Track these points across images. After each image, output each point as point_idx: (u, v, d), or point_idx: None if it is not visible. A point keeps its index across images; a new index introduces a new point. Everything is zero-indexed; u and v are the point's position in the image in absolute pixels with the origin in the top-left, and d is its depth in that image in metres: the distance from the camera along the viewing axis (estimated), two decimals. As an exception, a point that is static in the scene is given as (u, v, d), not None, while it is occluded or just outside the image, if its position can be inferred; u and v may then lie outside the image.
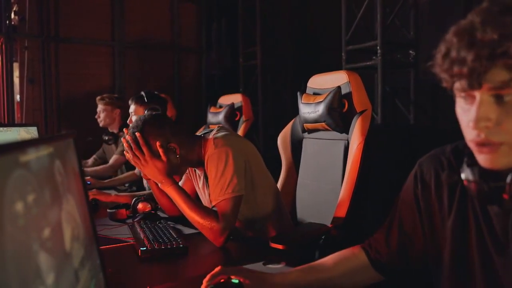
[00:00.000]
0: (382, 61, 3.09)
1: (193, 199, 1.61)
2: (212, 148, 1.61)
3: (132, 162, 1.64)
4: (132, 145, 1.60)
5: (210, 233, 1.52)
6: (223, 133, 1.68)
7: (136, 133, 1.59)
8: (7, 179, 0.48)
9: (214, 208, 1.59)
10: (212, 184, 1.58)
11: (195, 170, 1.84)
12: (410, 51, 3.31)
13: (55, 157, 0.68)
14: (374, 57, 3.27)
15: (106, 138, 3.49)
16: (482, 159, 0.75)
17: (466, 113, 0.75)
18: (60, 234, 0.64)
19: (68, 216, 0.69)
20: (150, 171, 1.61)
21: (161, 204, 1.89)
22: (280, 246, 1.56)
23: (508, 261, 0.80)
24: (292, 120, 2.21)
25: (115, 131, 3.49)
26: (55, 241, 0.61)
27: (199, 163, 1.71)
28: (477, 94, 0.72)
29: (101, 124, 3.48)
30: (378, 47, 3.11)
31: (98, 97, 3.48)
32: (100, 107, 3.46)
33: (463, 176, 0.81)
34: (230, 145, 1.61)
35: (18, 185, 0.50)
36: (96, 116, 3.46)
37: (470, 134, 0.75)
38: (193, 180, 1.88)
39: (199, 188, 1.85)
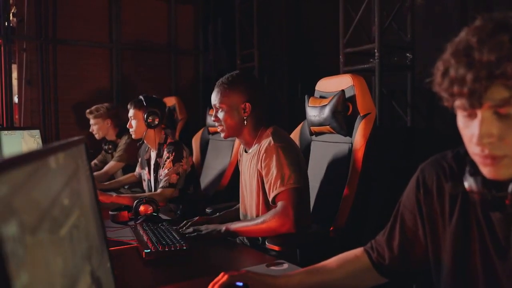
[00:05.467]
0: (379, 64, 3.11)
1: (249, 220, 1.67)
2: (269, 140, 1.67)
3: None
4: None
5: (278, 228, 1.57)
6: (281, 133, 1.75)
7: None
8: (36, 187, 0.50)
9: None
10: (271, 173, 1.62)
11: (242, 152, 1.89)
12: (407, 54, 3.34)
13: (71, 163, 0.71)
14: (371, 60, 3.30)
15: (106, 147, 3.52)
16: (487, 171, 0.77)
17: (468, 128, 0.76)
18: (80, 237, 0.66)
19: (85, 219, 0.72)
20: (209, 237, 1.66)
21: None
22: (276, 248, 1.59)
23: (510, 266, 0.82)
24: (301, 123, 2.23)
25: (113, 139, 3.51)
26: (78, 244, 0.63)
27: (246, 142, 1.80)
28: (479, 111, 0.73)
29: (97, 137, 3.52)
30: (375, 50, 3.12)
31: (87, 111, 3.51)
32: (91, 121, 3.50)
33: (466, 185, 0.83)
34: (290, 143, 1.72)
35: (46, 191, 0.52)
36: (90, 130, 3.49)
37: (473, 148, 0.76)
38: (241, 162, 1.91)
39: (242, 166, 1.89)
